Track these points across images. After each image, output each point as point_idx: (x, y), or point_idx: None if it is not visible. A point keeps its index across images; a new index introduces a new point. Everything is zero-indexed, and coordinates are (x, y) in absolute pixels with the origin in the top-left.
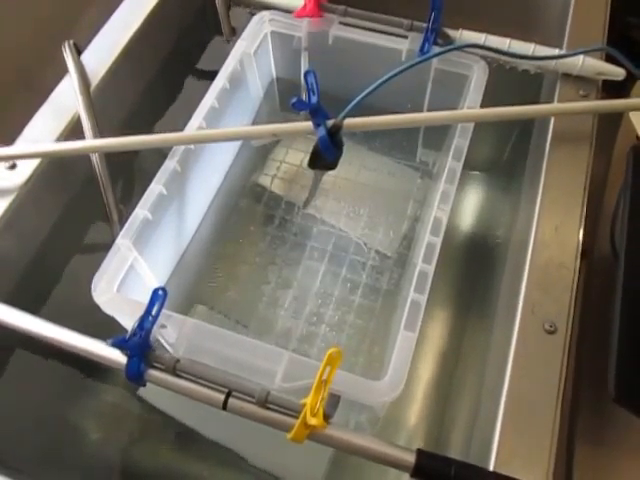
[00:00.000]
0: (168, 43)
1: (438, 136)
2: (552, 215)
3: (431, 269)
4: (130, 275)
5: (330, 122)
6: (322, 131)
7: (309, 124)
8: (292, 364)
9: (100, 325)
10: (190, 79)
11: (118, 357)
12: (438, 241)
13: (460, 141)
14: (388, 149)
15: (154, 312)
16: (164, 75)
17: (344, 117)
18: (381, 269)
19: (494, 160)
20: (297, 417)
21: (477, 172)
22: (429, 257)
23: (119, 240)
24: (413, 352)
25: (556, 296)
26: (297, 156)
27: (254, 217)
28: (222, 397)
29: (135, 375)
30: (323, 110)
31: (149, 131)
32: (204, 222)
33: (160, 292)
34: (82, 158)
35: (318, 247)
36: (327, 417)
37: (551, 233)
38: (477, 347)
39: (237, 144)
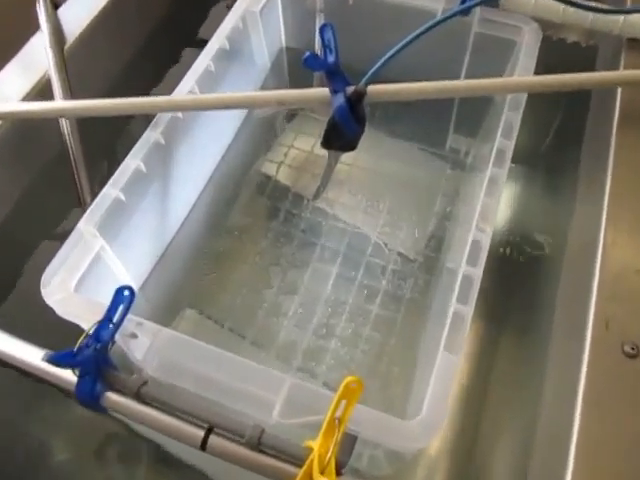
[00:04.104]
0: (162, 6)
1: (473, 119)
2: (625, 212)
3: (478, 273)
4: (95, 269)
5: (350, 88)
6: (340, 99)
7: (324, 90)
8: (295, 393)
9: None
10: (186, 50)
11: (67, 374)
12: (487, 238)
13: (511, 115)
14: (412, 134)
15: (116, 318)
16: (155, 43)
17: (368, 82)
18: (404, 274)
19: (533, 149)
20: (300, 466)
21: (512, 164)
22: (475, 258)
23: (81, 225)
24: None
25: (636, 309)
26: (308, 141)
27: (255, 209)
28: (201, 434)
29: (88, 399)
30: (342, 74)
31: None
32: (195, 211)
33: (126, 292)
34: (50, 128)
35: (330, 247)
36: (340, 467)
37: (624, 234)
38: (514, 368)
39: (238, 120)
